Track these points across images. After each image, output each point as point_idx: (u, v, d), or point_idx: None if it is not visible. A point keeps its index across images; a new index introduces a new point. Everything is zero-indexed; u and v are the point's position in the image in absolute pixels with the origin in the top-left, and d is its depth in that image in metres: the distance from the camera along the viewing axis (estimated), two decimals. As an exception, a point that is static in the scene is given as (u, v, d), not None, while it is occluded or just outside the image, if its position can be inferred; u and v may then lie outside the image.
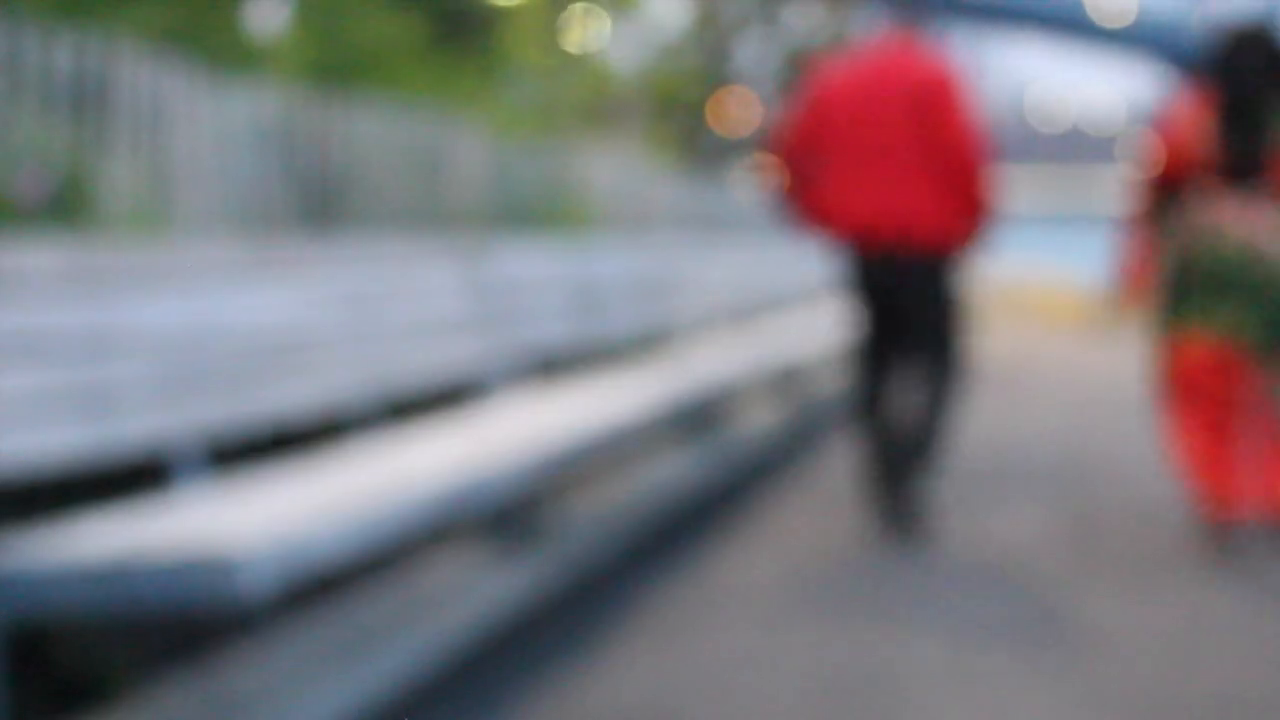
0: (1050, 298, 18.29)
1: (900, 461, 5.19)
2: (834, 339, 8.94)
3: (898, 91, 5.07)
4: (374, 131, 4.76)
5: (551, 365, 6.18)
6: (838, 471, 6.61)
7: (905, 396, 5.28)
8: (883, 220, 5.08)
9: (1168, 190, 5.08)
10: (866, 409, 5.29)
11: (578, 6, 12.07)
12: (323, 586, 4.21)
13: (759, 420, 8.15)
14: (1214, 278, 4.95)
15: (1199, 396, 4.97)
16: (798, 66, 21.77)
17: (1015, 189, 5.41)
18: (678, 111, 20.21)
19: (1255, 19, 5.29)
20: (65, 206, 3.19)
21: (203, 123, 3.78)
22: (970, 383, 5.53)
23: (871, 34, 5.66)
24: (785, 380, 9.30)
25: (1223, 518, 4.95)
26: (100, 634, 3.28)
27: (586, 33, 12.11)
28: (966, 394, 5.49)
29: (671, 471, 6.34)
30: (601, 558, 4.77)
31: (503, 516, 4.73)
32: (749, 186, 15.66)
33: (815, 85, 5.29)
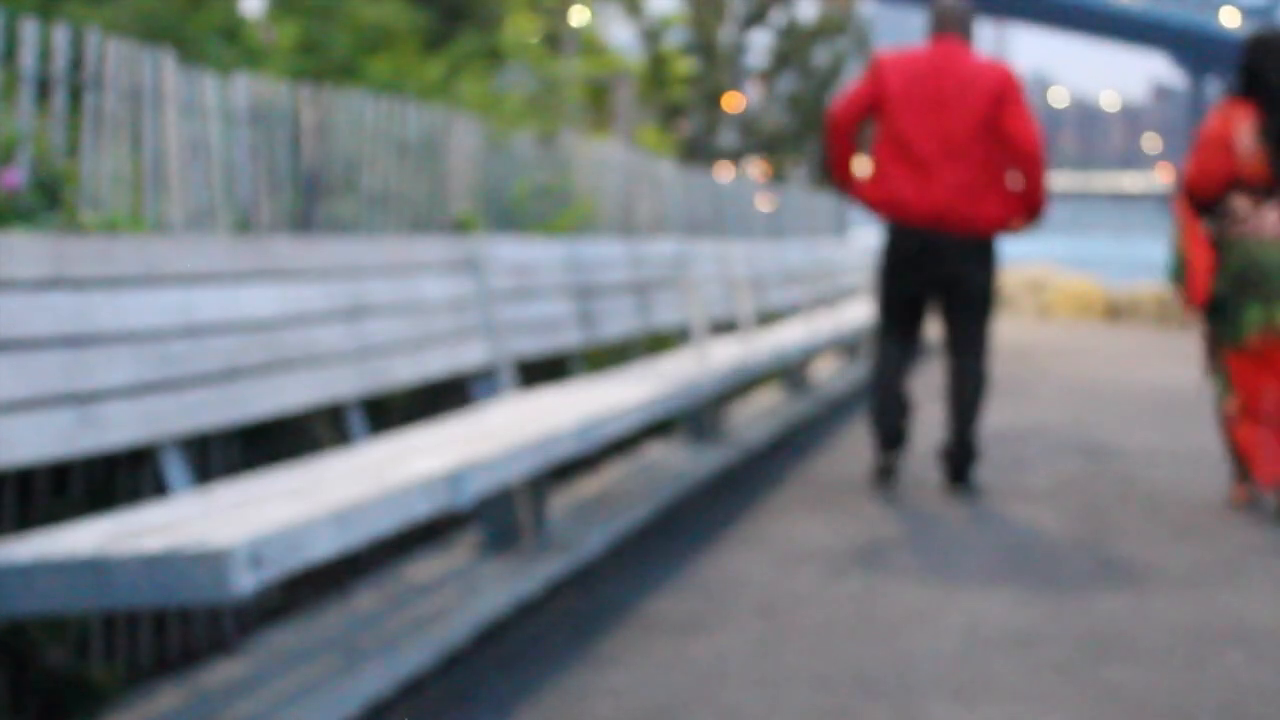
0: (1067, 286, 18.25)
1: (906, 430, 5.92)
2: (838, 333, 8.92)
3: (966, 88, 5.66)
4: (370, 125, 4.70)
5: (550, 364, 6.13)
6: (839, 468, 6.57)
7: (911, 377, 5.96)
8: (945, 203, 5.65)
9: (1207, 198, 5.48)
10: (886, 381, 5.87)
11: (577, 5, 12.02)
12: (319, 585, 4.17)
13: (761, 418, 8.10)
14: (1265, 278, 5.34)
15: (1254, 388, 5.43)
16: (801, 58, 21.70)
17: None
18: (679, 101, 20.13)
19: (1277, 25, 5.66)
20: (48, 201, 3.13)
21: (191, 115, 3.73)
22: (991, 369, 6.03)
23: (919, 35, 6.31)
24: (787, 378, 9.25)
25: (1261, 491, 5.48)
26: (88, 633, 3.23)
27: (587, 21, 12.06)
28: (991, 378, 6.02)
29: (673, 470, 6.29)
30: (602, 556, 4.73)
31: (502, 516, 4.69)
32: (752, 181, 15.61)
33: (875, 75, 5.82)
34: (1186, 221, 5.54)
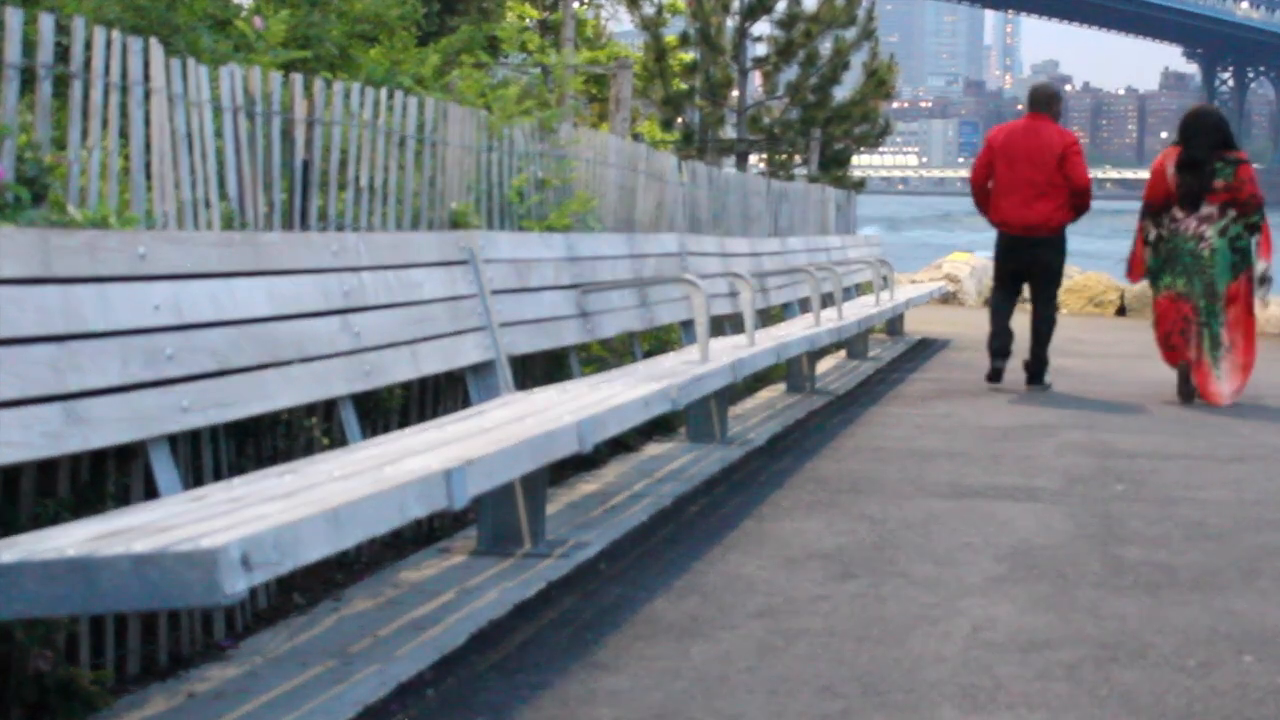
0: (1080, 283, 18.19)
1: (1009, 348, 9.68)
2: (842, 330, 8.84)
3: (1042, 147, 9.45)
4: (364, 118, 4.63)
5: (549, 361, 6.07)
6: (843, 468, 6.50)
7: (1010, 319, 9.63)
8: (1026, 218, 9.46)
9: (1156, 208, 9.20)
10: (999, 321, 9.59)
11: None
12: (313, 588, 4.11)
13: (763, 417, 8.05)
14: (1177, 259, 9.08)
15: (1167, 324, 9.12)
16: (804, 48, 21.59)
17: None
18: (679, 93, 20.01)
19: (1206, 103, 9.84)
20: (34, 195, 3.06)
21: (180, 108, 3.65)
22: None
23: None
24: (791, 376, 9.19)
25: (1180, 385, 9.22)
26: (76, 637, 3.17)
27: (586, 9, 11.99)
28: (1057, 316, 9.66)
29: (673, 470, 6.23)
30: (601, 558, 4.67)
31: (499, 517, 4.62)
32: (754, 174, 15.52)
33: (991, 141, 9.70)
34: (1138, 227, 9.33)
